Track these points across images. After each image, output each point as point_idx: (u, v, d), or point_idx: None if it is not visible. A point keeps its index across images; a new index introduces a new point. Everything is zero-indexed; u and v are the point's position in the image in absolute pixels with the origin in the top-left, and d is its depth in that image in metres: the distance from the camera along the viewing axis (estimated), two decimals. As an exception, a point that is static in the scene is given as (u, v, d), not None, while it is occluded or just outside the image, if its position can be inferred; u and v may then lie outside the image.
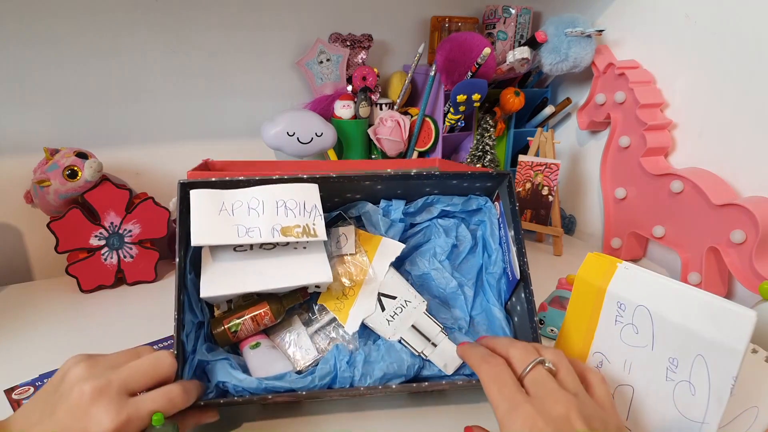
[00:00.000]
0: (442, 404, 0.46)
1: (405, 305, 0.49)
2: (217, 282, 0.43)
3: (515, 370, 0.34)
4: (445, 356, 0.47)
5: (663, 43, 0.71)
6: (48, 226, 0.62)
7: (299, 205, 0.45)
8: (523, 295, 0.47)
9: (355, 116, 0.80)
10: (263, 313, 0.46)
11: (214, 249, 0.45)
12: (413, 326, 0.48)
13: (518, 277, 0.47)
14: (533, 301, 0.46)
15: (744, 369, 0.31)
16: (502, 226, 0.51)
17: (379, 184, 0.50)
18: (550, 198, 0.77)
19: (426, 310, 0.49)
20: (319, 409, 0.45)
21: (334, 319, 0.49)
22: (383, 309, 0.48)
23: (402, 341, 0.47)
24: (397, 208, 0.52)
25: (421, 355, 0.47)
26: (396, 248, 0.50)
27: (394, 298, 0.49)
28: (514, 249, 0.48)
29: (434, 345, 0.47)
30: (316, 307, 0.50)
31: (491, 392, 0.33)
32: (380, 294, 0.49)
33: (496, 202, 0.53)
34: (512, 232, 0.49)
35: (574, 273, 0.44)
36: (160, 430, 0.34)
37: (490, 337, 0.41)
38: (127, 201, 0.65)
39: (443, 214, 0.55)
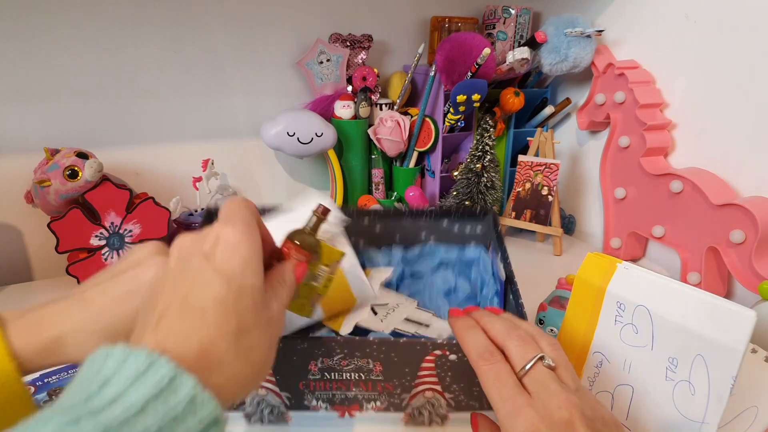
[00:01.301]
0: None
1: (396, 307, 0.51)
2: None
3: (513, 366, 0.33)
4: (438, 331, 0.49)
5: (663, 43, 0.71)
6: (48, 226, 0.62)
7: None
8: (511, 297, 0.47)
9: (355, 116, 0.80)
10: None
11: None
12: (406, 318, 0.50)
13: (503, 279, 0.47)
14: (518, 292, 0.45)
15: (744, 369, 0.31)
16: (494, 263, 0.54)
17: (377, 223, 0.57)
18: (550, 198, 0.77)
19: (417, 306, 0.51)
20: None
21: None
22: (375, 314, 0.51)
23: (395, 330, 0.49)
24: (396, 253, 0.58)
25: (415, 335, 0.49)
26: (385, 272, 0.53)
27: (385, 304, 0.52)
28: (501, 265, 0.50)
29: (426, 326, 0.50)
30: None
31: (491, 393, 0.32)
32: (372, 306, 0.51)
33: (490, 249, 0.56)
34: (499, 254, 0.51)
35: (573, 273, 0.45)
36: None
37: (483, 314, 0.38)
38: (127, 201, 0.65)
39: (442, 266, 0.59)
